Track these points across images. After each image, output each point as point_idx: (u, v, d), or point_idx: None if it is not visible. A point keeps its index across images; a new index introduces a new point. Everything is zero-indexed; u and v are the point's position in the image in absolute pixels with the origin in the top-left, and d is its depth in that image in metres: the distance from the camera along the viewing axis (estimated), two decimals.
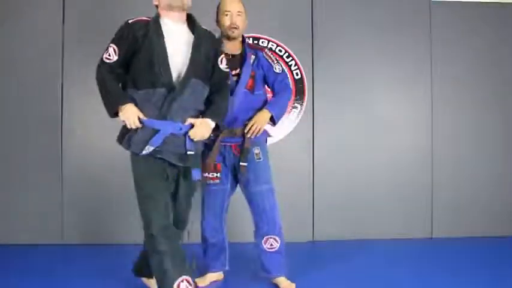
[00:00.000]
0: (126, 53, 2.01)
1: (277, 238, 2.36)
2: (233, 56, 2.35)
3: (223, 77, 2.18)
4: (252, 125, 2.29)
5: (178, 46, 2.03)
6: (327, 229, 3.28)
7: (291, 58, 3.27)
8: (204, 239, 2.43)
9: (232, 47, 2.36)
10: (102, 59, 2.03)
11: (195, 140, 2.04)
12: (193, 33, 2.08)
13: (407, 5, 3.37)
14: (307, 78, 3.27)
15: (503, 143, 3.42)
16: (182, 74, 2.00)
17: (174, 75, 2.00)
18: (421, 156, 3.37)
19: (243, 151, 2.31)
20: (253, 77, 2.34)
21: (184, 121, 2.01)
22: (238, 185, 2.45)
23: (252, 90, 2.34)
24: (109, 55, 2.02)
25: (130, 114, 1.95)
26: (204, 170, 2.30)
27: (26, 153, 3.11)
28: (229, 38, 2.34)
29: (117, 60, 2.01)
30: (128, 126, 1.98)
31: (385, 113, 3.35)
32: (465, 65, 3.39)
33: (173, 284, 1.94)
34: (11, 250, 2.96)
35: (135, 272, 2.36)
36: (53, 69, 3.11)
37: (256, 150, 2.34)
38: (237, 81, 2.31)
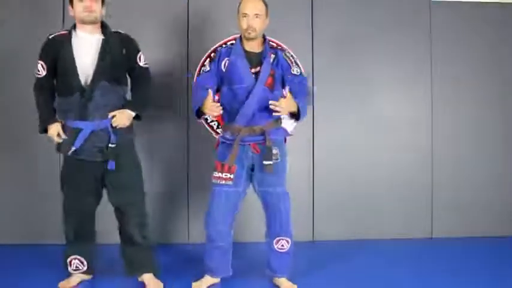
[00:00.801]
0: (50, 66, 2.20)
1: (288, 240, 2.38)
2: (253, 54, 2.34)
3: (143, 72, 2.37)
4: (279, 103, 2.17)
5: (88, 53, 2.19)
6: (327, 229, 3.29)
7: None
8: (209, 240, 2.35)
9: (253, 46, 2.36)
10: (34, 75, 2.23)
11: (116, 125, 2.21)
12: None
13: (407, 5, 3.36)
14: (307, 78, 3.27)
15: (503, 143, 3.42)
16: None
17: (83, 81, 2.17)
18: (421, 156, 3.37)
19: (265, 150, 2.26)
20: (272, 76, 2.31)
21: (103, 118, 2.19)
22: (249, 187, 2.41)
23: (271, 88, 2.31)
24: (38, 71, 2.23)
25: (54, 133, 2.21)
26: (216, 170, 2.30)
27: (26, 153, 3.11)
28: (247, 39, 2.34)
29: (46, 75, 2.21)
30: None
31: (385, 113, 3.35)
32: (465, 65, 3.39)
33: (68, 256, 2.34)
34: (11, 250, 2.96)
35: (130, 272, 2.38)
36: None
37: (275, 151, 2.29)
38: (256, 79, 2.29)
